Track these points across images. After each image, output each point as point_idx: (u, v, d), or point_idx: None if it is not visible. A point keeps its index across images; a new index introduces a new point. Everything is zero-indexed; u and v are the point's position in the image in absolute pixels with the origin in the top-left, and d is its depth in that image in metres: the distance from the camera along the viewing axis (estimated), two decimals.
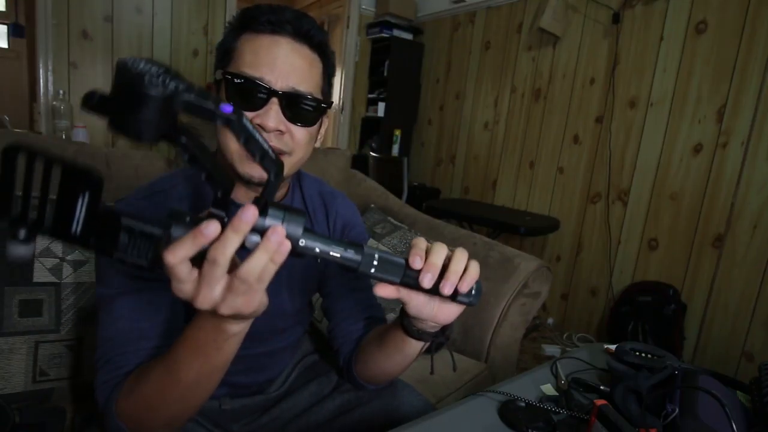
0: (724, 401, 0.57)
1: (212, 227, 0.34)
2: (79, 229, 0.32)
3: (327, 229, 0.77)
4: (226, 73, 0.57)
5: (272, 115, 0.57)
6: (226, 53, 0.60)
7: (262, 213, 0.36)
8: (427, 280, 0.43)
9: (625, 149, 2.27)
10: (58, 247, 0.84)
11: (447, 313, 0.50)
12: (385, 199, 1.58)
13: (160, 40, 2.67)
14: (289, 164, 0.62)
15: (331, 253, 0.39)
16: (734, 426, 0.54)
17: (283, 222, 0.37)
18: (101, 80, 2.53)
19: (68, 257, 0.85)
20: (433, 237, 1.37)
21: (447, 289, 0.44)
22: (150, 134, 0.31)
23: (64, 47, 2.41)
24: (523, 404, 0.62)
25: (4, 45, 3.60)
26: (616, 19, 2.26)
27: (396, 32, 3.46)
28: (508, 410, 0.61)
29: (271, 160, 0.39)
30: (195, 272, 0.36)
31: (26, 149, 0.29)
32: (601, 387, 0.70)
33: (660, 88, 2.13)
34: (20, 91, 3.56)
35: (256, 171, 0.59)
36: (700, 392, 0.59)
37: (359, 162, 3.03)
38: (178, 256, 0.34)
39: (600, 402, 0.52)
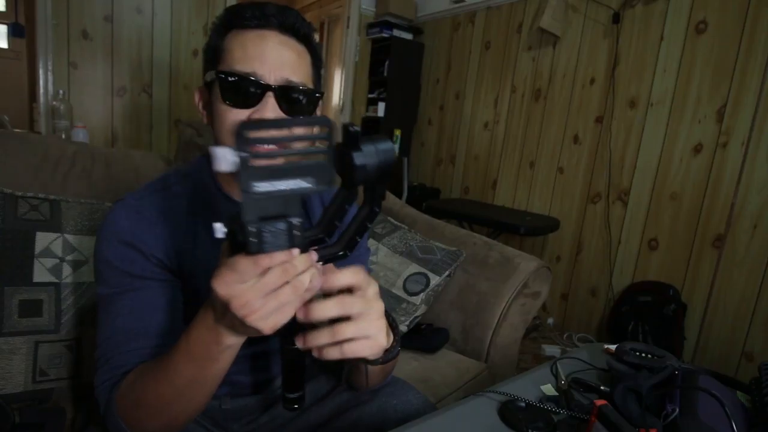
0: (724, 401, 0.57)
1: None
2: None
3: None
4: (219, 72, 0.57)
5: (269, 109, 0.57)
6: (214, 53, 0.60)
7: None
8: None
9: (625, 149, 2.27)
10: (57, 247, 0.84)
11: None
12: (385, 199, 1.58)
13: (160, 40, 2.67)
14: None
15: None
16: (734, 426, 0.54)
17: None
18: (101, 80, 2.53)
19: (68, 257, 0.85)
20: (433, 237, 1.37)
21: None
22: (357, 184, 0.39)
23: (64, 47, 2.41)
24: (523, 404, 0.62)
25: (4, 45, 3.60)
26: (616, 19, 2.26)
27: (396, 32, 3.45)
28: (508, 410, 0.61)
29: (355, 243, 0.44)
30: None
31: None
32: (601, 387, 0.70)
33: (660, 88, 2.13)
34: (20, 91, 3.56)
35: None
36: (700, 392, 0.59)
37: None
38: (276, 260, 0.35)
39: (600, 402, 0.52)
